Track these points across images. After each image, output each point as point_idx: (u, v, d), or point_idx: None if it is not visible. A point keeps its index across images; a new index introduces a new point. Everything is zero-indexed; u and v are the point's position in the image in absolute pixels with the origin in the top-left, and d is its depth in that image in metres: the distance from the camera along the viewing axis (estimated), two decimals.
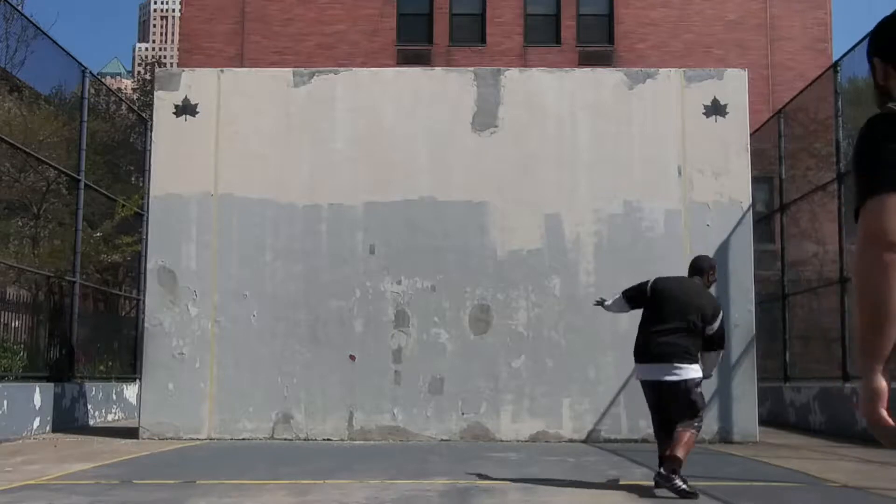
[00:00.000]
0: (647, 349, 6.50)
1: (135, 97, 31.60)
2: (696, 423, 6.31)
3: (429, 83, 11.35)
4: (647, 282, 6.84)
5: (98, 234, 16.50)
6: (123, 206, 15.60)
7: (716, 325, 6.50)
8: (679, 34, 25.02)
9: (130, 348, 15.32)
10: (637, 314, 6.88)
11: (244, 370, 10.57)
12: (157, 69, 13.88)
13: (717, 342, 6.57)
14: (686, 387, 6.35)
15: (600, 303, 7.26)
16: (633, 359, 6.68)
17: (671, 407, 6.38)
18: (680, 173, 10.98)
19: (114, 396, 14.00)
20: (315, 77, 11.24)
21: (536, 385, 10.67)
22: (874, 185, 1.95)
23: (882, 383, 1.90)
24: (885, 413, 1.89)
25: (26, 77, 14.69)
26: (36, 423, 10.88)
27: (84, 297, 14.24)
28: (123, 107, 19.48)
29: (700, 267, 6.85)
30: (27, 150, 12.95)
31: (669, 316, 6.49)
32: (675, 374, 6.35)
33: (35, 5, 71.06)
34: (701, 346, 6.49)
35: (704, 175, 10.96)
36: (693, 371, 6.42)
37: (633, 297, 6.90)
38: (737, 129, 11.06)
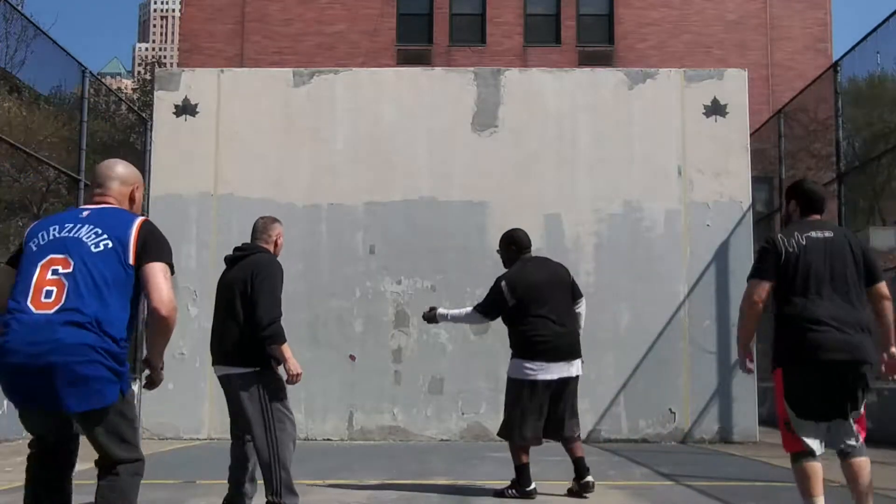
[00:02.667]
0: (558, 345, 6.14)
1: (135, 97, 31.59)
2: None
3: (429, 83, 11.35)
4: (501, 287, 6.19)
5: None
6: None
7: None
8: (679, 34, 25.00)
9: (130, 348, 15.30)
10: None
11: None
12: (157, 69, 13.88)
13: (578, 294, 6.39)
14: (576, 384, 6.27)
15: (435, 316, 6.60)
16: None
17: (568, 403, 6.22)
18: (680, 173, 10.97)
19: None
20: (315, 77, 11.24)
21: None
22: (752, 271, 4.67)
23: (745, 351, 4.77)
24: (747, 362, 4.75)
25: (26, 77, 14.69)
26: None
27: None
28: (123, 107, 19.47)
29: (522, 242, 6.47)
30: (27, 150, 12.95)
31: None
32: (577, 370, 6.24)
33: (35, 5, 71.07)
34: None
35: (704, 175, 10.96)
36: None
37: (490, 308, 6.30)
38: (737, 129, 11.06)
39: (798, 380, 4.29)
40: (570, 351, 6.10)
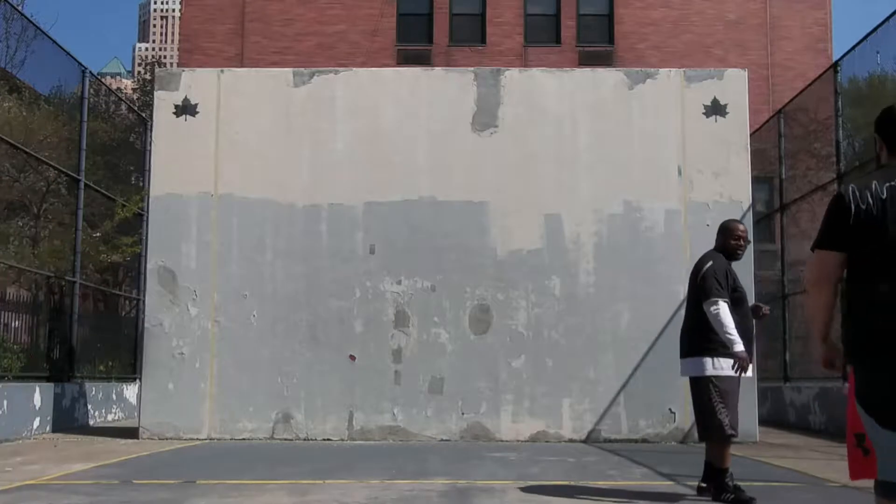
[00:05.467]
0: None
1: (135, 97, 31.58)
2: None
3: (429, 83, 11.35)
4: None
5: (98, 235, 16.50)
6: (123, 206, 15.60)
7: (700, 282, 6.13)
8: (679, 34, 25.02)
9: (130, 348, 15.32)
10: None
11: (244, 370, 10.56)
12: (157, 69, 13.88)
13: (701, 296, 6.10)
14: (692, 385, 6.23)
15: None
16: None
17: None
18: (680, 173, 10.97)
19: (114, 396, 13.99)
20: (315, 77, 11.24)
21: (536, 385, 10.67)
22: (815, 241, 3.37)
23: (825, 347, 3.47)
24: (829, 360, 3.48)
25: (26, 77, 14.69)
26: (36, 423, 10.88)
27: (84, 297, 14.24)
28: (123, 107, 19.47)
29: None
30: (27, 150, 12.95)
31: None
32: (686, 370, 6.27)
33: (35, 5, 71.00)
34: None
35: (704, 175, 10.96)
36: (693, 366, 6.16)
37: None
38: (737, 129, 11.06)
39: (872, 378, 3.15)
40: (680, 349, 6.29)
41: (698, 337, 6.10)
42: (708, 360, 6.04)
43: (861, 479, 3.22)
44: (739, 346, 5.90)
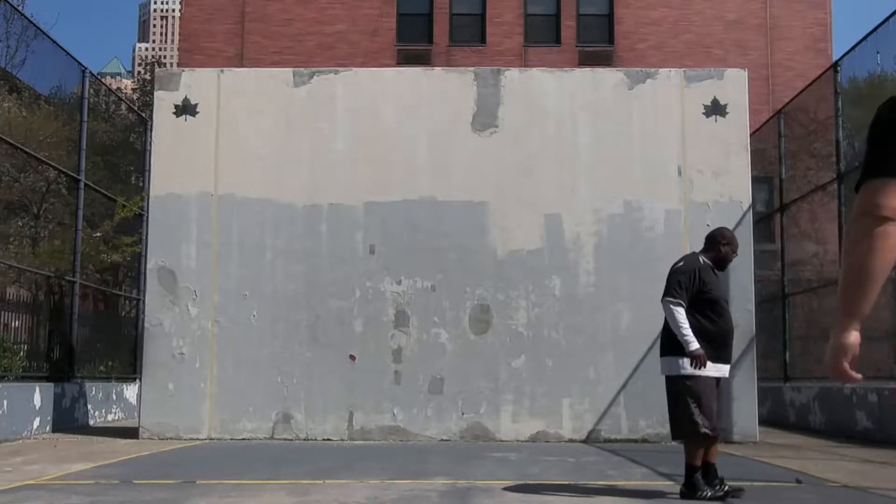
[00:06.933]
0: None
1: (135, 97, 31.60)
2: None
3: (429, 83, 11.35)
4: None
5: (98, 235, 16.50)
6: (123, 206, 15.61)
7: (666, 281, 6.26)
8: (679, 34, 25.02)
9: (130, 348, 15.32)
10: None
11: (244, 370, 10.56)
12: (157, 69, 13.88)
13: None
14: (667, 384, 6.26)
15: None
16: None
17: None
18: (680, 173, 10.97)
19: (114, 396, 14.00)
20: (315, 77, 11.24)
21: (536, 385, 10.67)
22: (877, 168, 2.20)
23: (851, 339, 2.14)
24: (846, 366, 2.15)
25: (26, 77, 14.68)
26: (36, 423, 10.88)
27: (84, 297, 14.25)
28: (123, 107, 19.47)
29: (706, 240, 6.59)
30: (27, 150, 12.95)
31: None
32: (662, 369, 6.30)
33: (35, 5, 71.01)
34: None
35: (704, 175, 10.96)
36: (668, 365, 6.19)
37: None
38: (737, 129, 11.06)
39: None
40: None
41: (673, 337, 6.16)
42: (681, 360, 6.07)
43: None
44: (693, 345, 5.96)
